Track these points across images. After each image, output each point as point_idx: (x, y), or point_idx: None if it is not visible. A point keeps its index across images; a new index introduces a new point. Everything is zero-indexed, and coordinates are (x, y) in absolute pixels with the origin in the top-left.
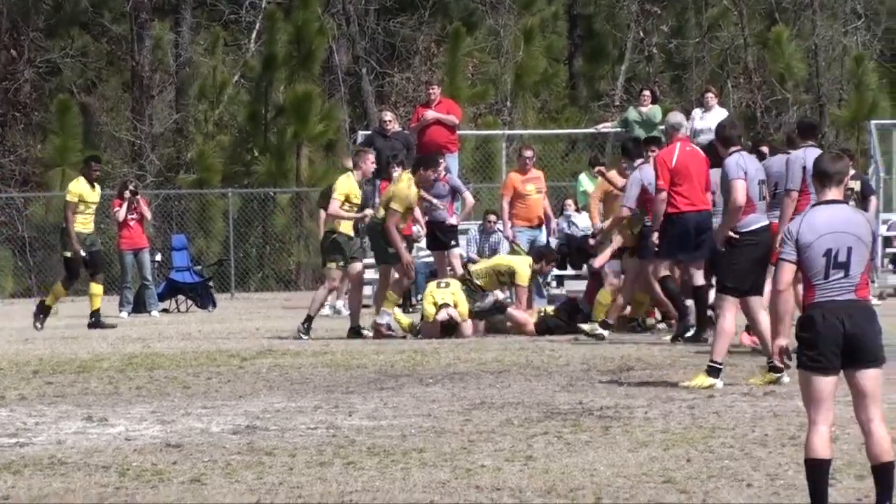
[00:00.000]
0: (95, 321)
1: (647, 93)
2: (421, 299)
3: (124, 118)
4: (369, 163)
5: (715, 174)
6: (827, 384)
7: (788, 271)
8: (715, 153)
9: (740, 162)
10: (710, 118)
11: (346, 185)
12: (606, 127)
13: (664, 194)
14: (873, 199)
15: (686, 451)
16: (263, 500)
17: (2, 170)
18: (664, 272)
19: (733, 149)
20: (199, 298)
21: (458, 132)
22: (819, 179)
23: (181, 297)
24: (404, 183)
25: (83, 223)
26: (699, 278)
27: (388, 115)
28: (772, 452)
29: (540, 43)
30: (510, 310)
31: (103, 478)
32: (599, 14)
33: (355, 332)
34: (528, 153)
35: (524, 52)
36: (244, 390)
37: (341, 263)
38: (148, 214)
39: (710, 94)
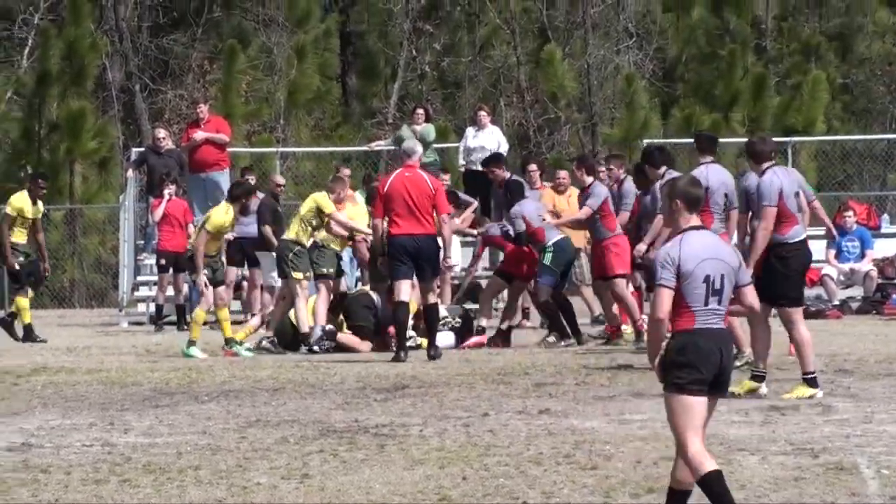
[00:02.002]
0: (27, 334)
1: (420, 111)
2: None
3: None
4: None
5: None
6: (704, 405)
7: (668, 298)
8: (643, 176)
9: (774, 181)
10: (482, 137)
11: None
12: (380, 145)
13: (377, 221)
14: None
15: (462, 469)
16: None
17: None
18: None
19: (766, 164)
20: None
21: (232, 150)
22: (688, 205)
23: None
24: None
25: (20, 235)
26: (431, 297)
27: (161, 133)
28: (547, 471)
29: (313, 60)
30: (340, 336)
31: None
32: (372, 32)
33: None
34: (347, 171)
35: (297, 69)
36: (19, 407)
37: (308, 274)
38: None
39: (482, 113)
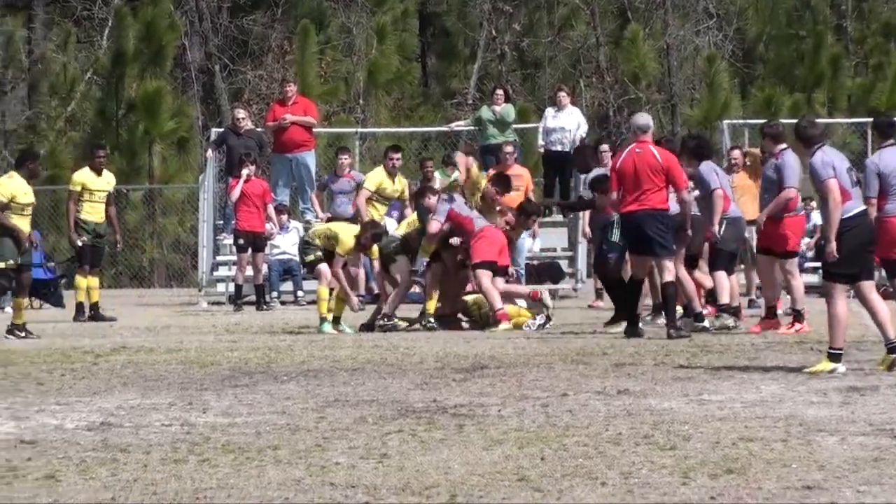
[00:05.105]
0: (94, 314)
1: (499, 91)
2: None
3: None
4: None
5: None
6: None
7: None
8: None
9: (825, 159)
10: (562, 117)
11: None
12: (459, 125)
13: (613, 195)
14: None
15: (540, 449)
16: (118, 496)
17: None
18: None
19: (815, 147)
20: (52, 295)
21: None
22: None
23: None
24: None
25: (91, 212)
26: (666, 275)
27: (241, 113)
28: (625, 451)
29: (392, 41)
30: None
31: None
32: (451, 12)
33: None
34: (509, 149)
35: (377, 50)
36: (98, 387)
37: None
38: None
39: (562, 94)
